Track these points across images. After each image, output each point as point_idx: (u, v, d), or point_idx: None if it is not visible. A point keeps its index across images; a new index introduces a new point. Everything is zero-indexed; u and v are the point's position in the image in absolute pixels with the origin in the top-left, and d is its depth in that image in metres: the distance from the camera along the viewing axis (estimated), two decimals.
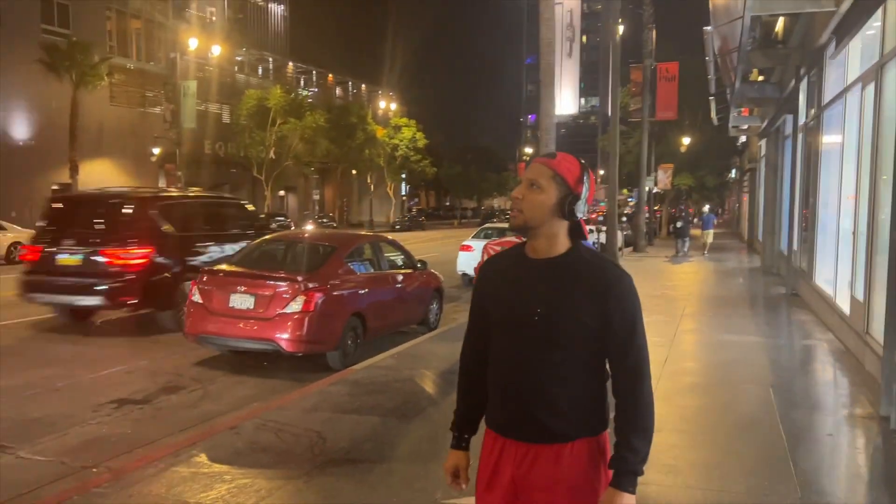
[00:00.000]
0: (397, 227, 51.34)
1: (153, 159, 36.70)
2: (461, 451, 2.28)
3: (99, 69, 29.82)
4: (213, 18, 46.35)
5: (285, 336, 7.35)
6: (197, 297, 7.76)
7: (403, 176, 60.18)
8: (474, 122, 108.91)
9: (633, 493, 1.96)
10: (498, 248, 11.71)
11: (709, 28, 14.47)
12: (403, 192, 66.99)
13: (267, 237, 9.52)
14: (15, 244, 20.37)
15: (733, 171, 44.06)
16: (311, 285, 7.52)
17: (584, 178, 2.07)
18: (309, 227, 39.56)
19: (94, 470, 4.90)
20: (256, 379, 7.55)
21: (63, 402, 6.54)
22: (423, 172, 57.60)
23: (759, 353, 8.49)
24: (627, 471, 1.96)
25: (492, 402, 2.17)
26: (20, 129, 31.28)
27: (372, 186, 54.46)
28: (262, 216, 37.95)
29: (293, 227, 38.58)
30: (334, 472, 4.59)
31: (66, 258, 9.38)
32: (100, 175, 34.37)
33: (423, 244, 32.17)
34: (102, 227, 9.53)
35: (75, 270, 9.28)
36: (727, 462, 4.91)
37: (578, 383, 2.04)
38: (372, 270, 8.85)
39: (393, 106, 61.02)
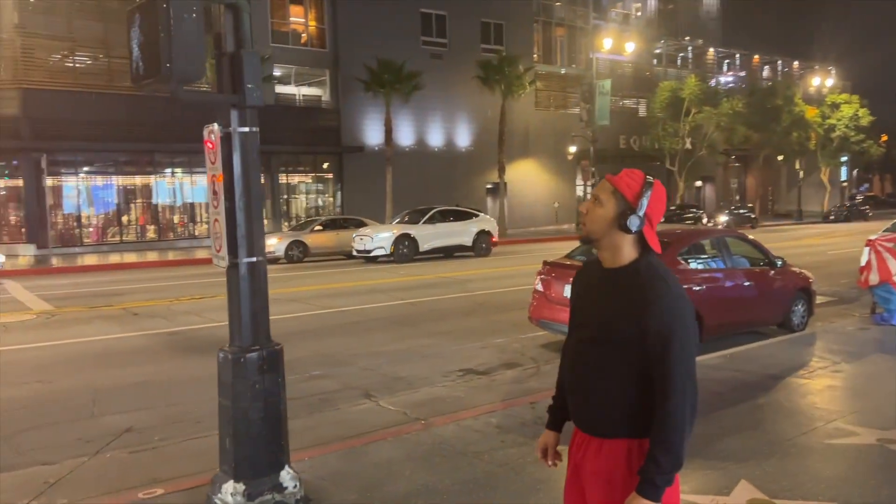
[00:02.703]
0: (831, 217, 45.80)
1: (569, 157, 39.44)
2: (552, 432, 2.60)
3: (523, 79, 33.25)
4: (638, 14, 47.48)
5: None
6: (539, 287, 8.70)
7: (844, 159, 53.41)
8: None
9: (654, 499, 2.08)
10: (888, 245, 10.22)
11: None
12: (844, 178, 59.35)
13: None
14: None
15: None
16: None
17: (645, 193, 2.20)
18: (723, 218, 38.18)
19: (423, 421, 6.13)
20: None
21: (425, 366, 8.08)
22: (867, 154, 50.29)
23: None
24: (647, 479, 2.08)
25: None
26: (462, 138, 36.75)
27: (801, 173, 49.57)
28: (672, 208, 38.14)
29: (705, 220, 37.63)
30: None
31: None
32: (524, 174, 38.43)
33: (845, 238, 28.45)
34: None
35: None
36: None
37: (621, 386, 2.19)
38: (713, 267, 8.69)
39: (829, 82, 54.41)
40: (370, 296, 13.55)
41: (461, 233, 22.35)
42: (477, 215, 23.39)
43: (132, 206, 28.99)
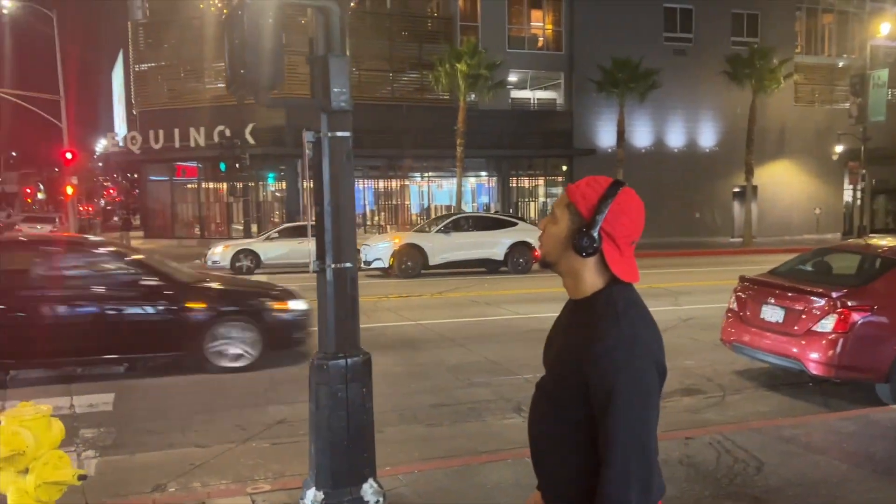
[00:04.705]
0: None
1: (834, 157, 34.96)
2: (538, 492, 2.19)
3: (777, 72, 30.13)
4: None
5: (812, 356, 6.65)
6: (734, 305, 7.71)
7: None
8: None
9: None
10: None
11: None
12: None
13: (827, 247, 8.54)
14: None
15: None
16: (849, 303, 6.58)
17: (603, 205, 1.72)
18: None
19: None
20: (782, 397, 7.10)
21: None
22: None
23: None
24: None
25: None
26: (706, 138, 34.27)
27: None
28: None
29: None
30: None
31: None
32: (777, 177, 34.82)
33: None
34: None
35: None
36: None
37: (569, 448, 1.76)
38: None
39: None
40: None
41: (489, 244, 18.58)
42: (515, 224, 19.58)
43: (381, 207, 31.59)
